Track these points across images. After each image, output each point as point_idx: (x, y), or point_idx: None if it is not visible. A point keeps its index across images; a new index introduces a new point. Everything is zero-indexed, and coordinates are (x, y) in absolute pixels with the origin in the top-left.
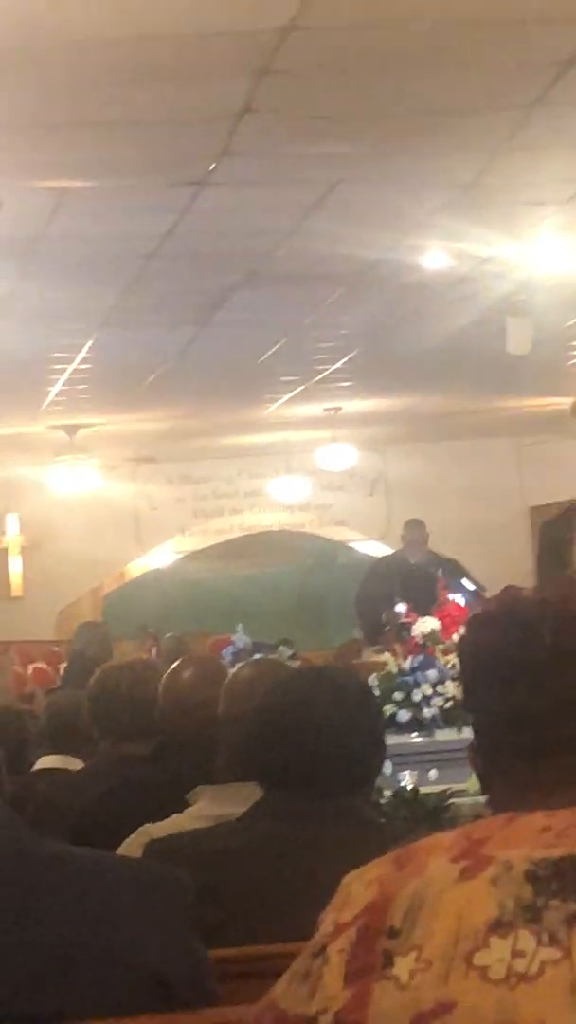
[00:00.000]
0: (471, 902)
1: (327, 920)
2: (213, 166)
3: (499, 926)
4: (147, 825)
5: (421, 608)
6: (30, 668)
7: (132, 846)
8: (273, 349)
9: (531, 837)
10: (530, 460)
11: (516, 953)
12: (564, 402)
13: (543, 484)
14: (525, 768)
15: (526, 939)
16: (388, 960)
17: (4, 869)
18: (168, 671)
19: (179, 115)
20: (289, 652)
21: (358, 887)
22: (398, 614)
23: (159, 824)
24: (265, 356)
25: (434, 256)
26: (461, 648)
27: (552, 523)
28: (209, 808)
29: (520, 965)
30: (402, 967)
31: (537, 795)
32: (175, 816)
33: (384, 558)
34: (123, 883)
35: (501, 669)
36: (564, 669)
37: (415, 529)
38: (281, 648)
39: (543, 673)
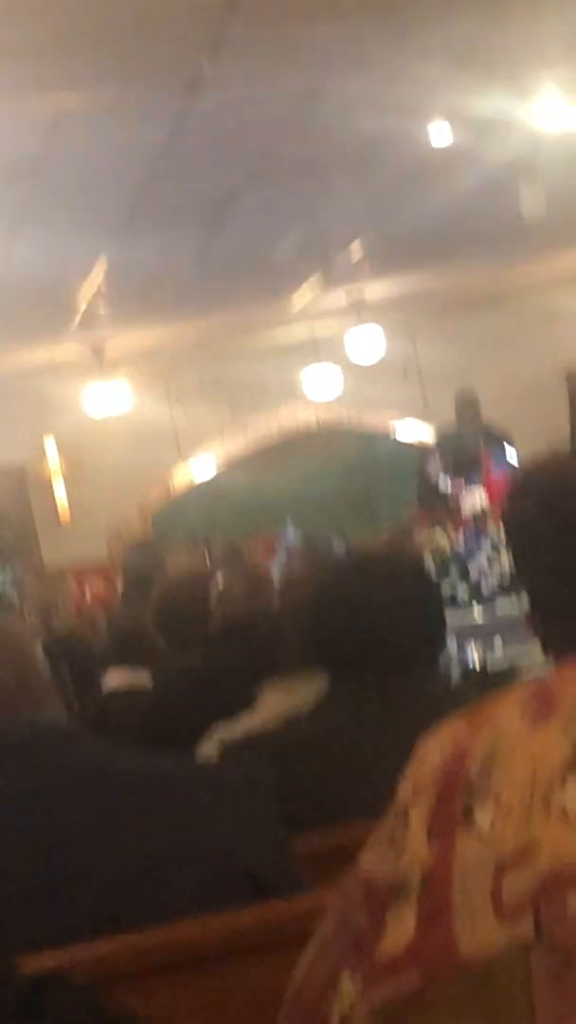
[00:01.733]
0: (544, 746)
1: (406, 783)
2: (207, 64)
3: (574, 766)
4: (219, 726)
5: (468, 481)
6: (88, 592)
7: (206, 749)
8: (288, 241)
9: None
10: (561, 324)
11: None
12: None
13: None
14: None
15: None
16: (468, 813)
17: (91, 783)
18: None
19: (168, 16)
20: (340, 542)
21: (432, 747)
22: (446, 489)
23: (231, 725)
24: (281, 249)
25: (440, 125)
26: (505, 516)
27: None
28: (276, 702)
29: None
30: (482, 818)
31: None
32: (245, 715)
33: (443, 435)
34: (205, 785)
35: (547, 530)
36: None
37: (466, 402)
38: (332, 540)
39: None
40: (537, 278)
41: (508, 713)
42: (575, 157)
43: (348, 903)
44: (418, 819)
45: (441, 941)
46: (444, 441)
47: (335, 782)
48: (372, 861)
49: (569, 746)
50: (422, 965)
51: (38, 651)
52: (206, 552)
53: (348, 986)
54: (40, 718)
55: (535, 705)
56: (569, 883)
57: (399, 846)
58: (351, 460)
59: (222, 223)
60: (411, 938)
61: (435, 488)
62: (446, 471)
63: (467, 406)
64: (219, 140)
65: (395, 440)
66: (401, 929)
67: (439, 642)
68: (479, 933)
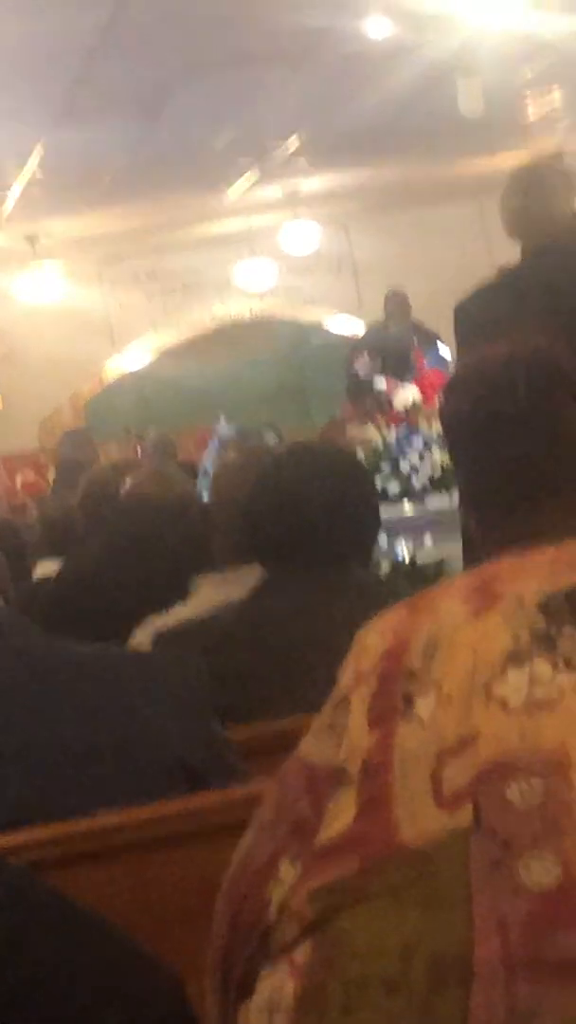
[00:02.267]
0: (485, 637)
1: (347, 671)
2: None
3: (515, 657)
4: (151, 617)
5: (399, 378)
6: (18, 480)
7: (139, 638)
8: (225, 133)
9: (541, 570)
10: (495, 223)
11: (534, 681)
12: (522, 157)
13: (511, 246)
14: (524, 515)
15: (542, 667)
16: (409, 701)
17: (17, 670)
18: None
19: None
20: (274, 436)
21: (374, 636)
22: (377, 386)
23: (163, 616)
24: (218, 142)
25: (377, 20)
26: (441, 414)
27: None
28: (211, 594)
29: (539, 692)
30: (423, 707)
31: (539, 541)
32: (178, 606)
33: (363, 336)
34: (136, 673)
35: (484, 425)
36: (542, 413)
37: (396, 300)
38: (266, 432)
39: (525, 421)
40: (472, 174)
41: (449, 604)
42: (513, 54)
43: (287, 790)
44: (359, 707)
45: (381, 828)
46: (374, 337)
47: (268, 671)
48: (312, 748)
49: (509, 639)
50: (361, 852)
51: None
52: (137, 443)
53: (287, 871)
54: None
55: (476, 597)
56: (508, 772)
57: (339, 734)
58: (284, 353)
59: (159, 113)
60: (351, 825)
61: (364, 384)
62: (376, 367)
63: (396, 303)
64: (157, 29)
65: (328, 333)
66: (341, 816)
67: (373, 534)
68: (419, 821)
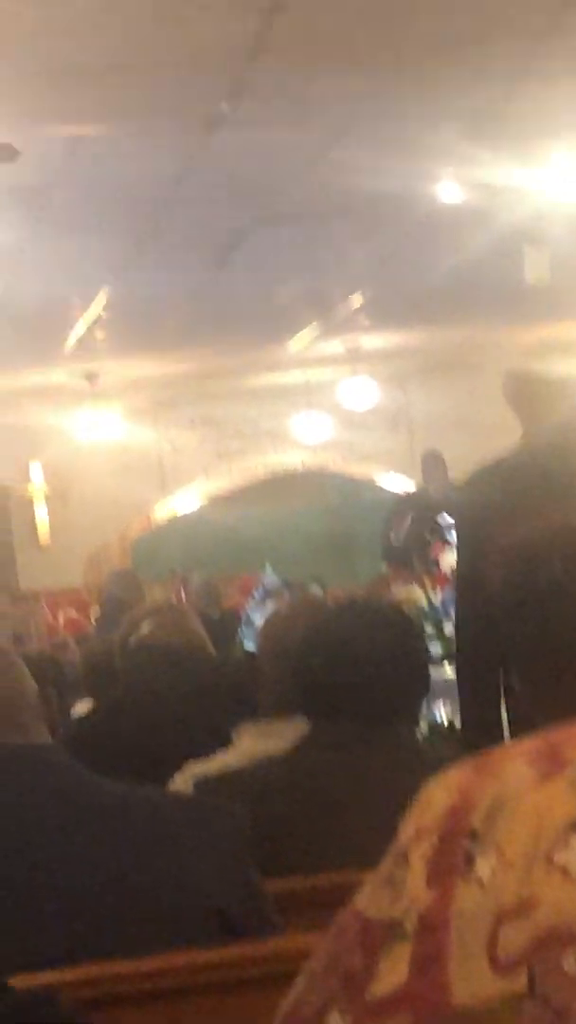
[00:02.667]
0: (550, 803)
1: (408, 826)
2: (225, 106)
3: None
4: (192, 764)
5: (446, 540)
6: (60, 617)
7: (180, 784)
8: (290, 287)
9: None
10: None
11: None
12: None
13: None
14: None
15: None
16: (470, 861)
17: (62, 808)
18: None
19: (190, 56)
20: (319, 589)
21: (439, 793)
22: (425, 547)
23: (205, 763)
24: (283, 294)
25: (449, 187)
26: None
27: None
28: (253, 745)
29: None
30: (483, 868)
31: None
32: (220, 755)
33: (410, 493)
34: (180, 818)
35: (535, 594)
36: None
37: (433, 461)
38: (311, 585)
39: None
40: (532, 342)
41: (515, 766)
42: None
43: (340, 941)
44: (418, 863)
45: (434, 986)
46: (416, 499)
47: (307, 826)
48: (369, 901)
49: (574, 806)
50: (414, 1009)
51: (26, 671)
52: (183, 585)
53: None
54: (29, 739)
55: (543, 761)
56: (566, 940)
57: (397, 888)
58: (334, 506)
59: (226, 263)
60: (404, 981)
61: (405, 544)
62: (422, 527)
63: (433, 463)
64: (230, 181)
65: (380, 489)
66: (394, 971)
67: (421, 694)
68: (473, 982)
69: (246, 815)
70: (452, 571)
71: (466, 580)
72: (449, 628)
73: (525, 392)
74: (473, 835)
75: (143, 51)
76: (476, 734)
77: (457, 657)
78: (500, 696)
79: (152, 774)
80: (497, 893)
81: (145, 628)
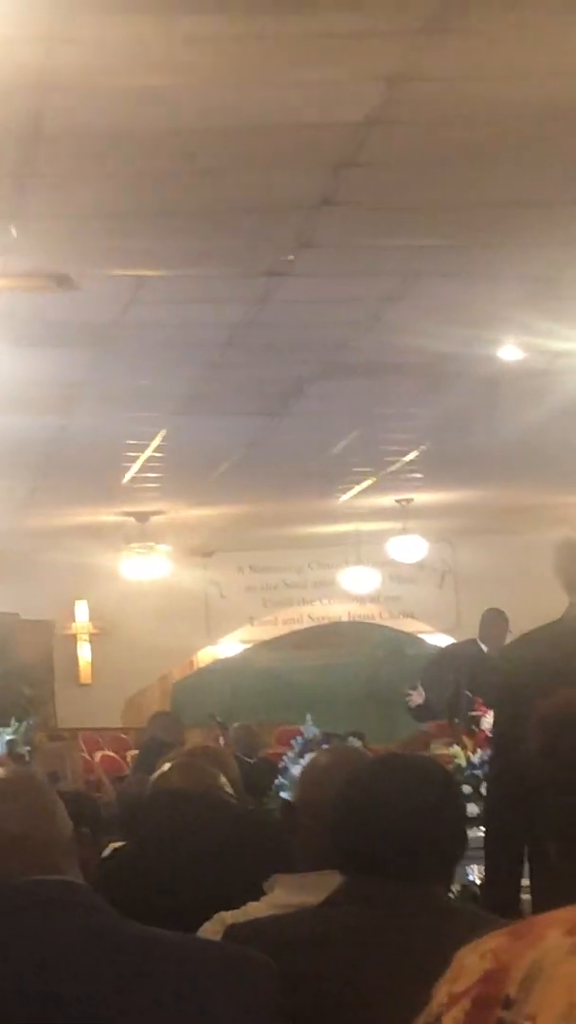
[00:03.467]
0: None
1: (441, 991)
2: (291, 257)
3: None
4: (222, 912)
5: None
6: (97, 755)
7: (209, 932)
8: (346, 440)
9: None
10: None
11: None
12: None
13: None
14: None
15: None
16: None
17: (93, 951)
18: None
19: (259, 206)
20: (359, 743)
21: (473, 958)
22: (468, 705)
23: (235, 911)
24: (337, 447)
25: (509, 350)
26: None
27: None
28: (286, 897)
29: None
30: None
31: None
32: (251, 904)
33: (454, 645)
34: (209, 966)
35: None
36: None
37: (494, 619)
38: (351, 739)
39: None
40: None
41: (554, 936)
42: None
43: None
44: None
45: None
46: (468, 652)
47: (341, 983)
48: None
49: None
50: None
51: (63, 808)
52: (222, 731)
53: None
54: (61, 875)
55: None
56: None
57: None
58: (378, 659)
59: (284, 412)
60: None
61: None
62: (462, 685)
63: (493, 622)
64: (291, 331)
65: (424, 644)
66: None
67: (458, 851)
68: None
69: (274, 966)
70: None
71: (503, 740)
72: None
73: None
74: (507, 1003)
75: (212, 199)
76: (497, 893)
77: (486, 815)
78: (523, 859)
79: (177, 920)
80: None
81: (166, 768)
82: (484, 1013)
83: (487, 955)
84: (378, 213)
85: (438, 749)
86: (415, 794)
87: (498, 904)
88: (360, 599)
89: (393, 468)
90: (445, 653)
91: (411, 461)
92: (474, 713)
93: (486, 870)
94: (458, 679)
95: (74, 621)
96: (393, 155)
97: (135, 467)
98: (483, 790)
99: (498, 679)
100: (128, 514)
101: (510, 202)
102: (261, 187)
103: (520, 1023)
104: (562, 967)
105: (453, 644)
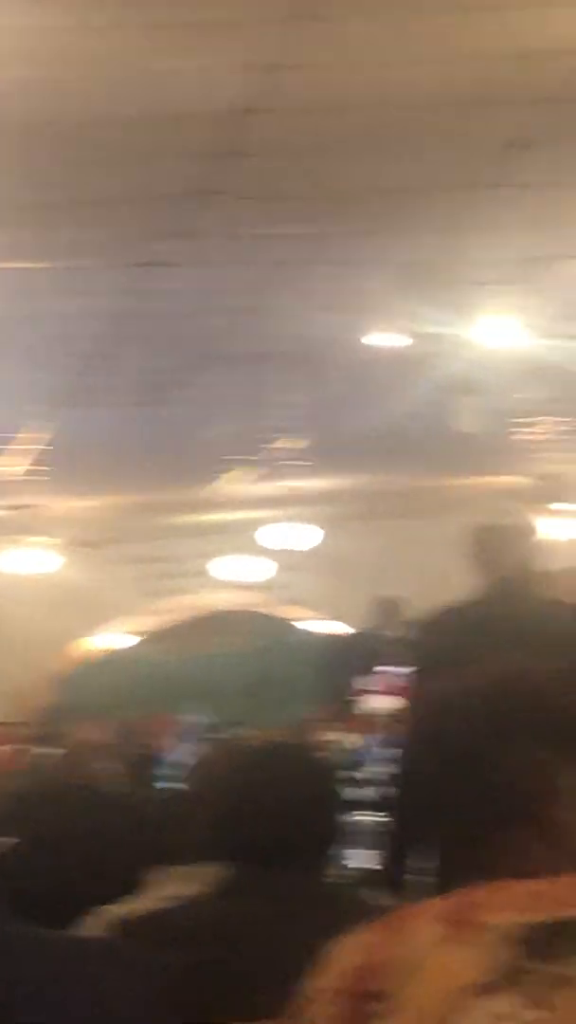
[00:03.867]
0: (455, 966)
1: (310, 986)
2: (172, 246)
3: (483, 989)
4: (106, 906)
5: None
6: None
7: (92, 928)
8: (227, 428)
9: (520, 902)
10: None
11: (500, 1016)
12: (511, 480)
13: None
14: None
15: (510, 1002)
16: (374, 1020)
17: None
18: None
19: (138, 196)
20: (243, 731)
21: (344, 952)
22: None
23: (119, 904)
24: (219, 436)
25: (385, 335)
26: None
27: None
28: (169, 888)
29: None
30: None
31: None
32: (136, 896)
33: (350, 637)
34: (93, 962)
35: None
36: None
37: (388, 607)
38: (235, 728)
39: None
40: (463, 491)
41: (426, 927)
42: (510, 378)
43: None
44: (322, 1021)
45: None
46: (355, 640)
47: (228, 972)
48: None
49: (480, 970)
50: None
51: None
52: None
53: None
54: None
55: (452, 923)
56: None
57: None
58: (263, 647)
59: (165, 402)
60: None
61: (338, 688)
62: (352, 671)
63: (387, 610)
64: (168, 321)
65: (311, 633)
66: None
67: (336, 840)
68: None
69: (171, 960)
70: (371, 717)
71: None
72: (360, 774)
73: (492, 542)
74: (378, 997)
75: (93, 190)
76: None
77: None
78: (420, 842)
79: (61, 917)
80: None
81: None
82: (354, 1008)
83: (358, 949)
84: (254, 202)
85: (324, 735)
86: (293, 782)
87: (389, 887)
88: (243, 588)
89: (275, 455)
90: (341, 644)
91: (293, 448)
92: (349, 698)
93: (387, 853)
94: (349, 669)
95: None
96: (268, 145)
97: (16, 460)
98: (356, 775)
99: (412, 664)
100: (11, 508)
101: (386, 189)
102: (140, 178)
103: (390, 1017)
104: (432, 959)
105: (347, 636)
